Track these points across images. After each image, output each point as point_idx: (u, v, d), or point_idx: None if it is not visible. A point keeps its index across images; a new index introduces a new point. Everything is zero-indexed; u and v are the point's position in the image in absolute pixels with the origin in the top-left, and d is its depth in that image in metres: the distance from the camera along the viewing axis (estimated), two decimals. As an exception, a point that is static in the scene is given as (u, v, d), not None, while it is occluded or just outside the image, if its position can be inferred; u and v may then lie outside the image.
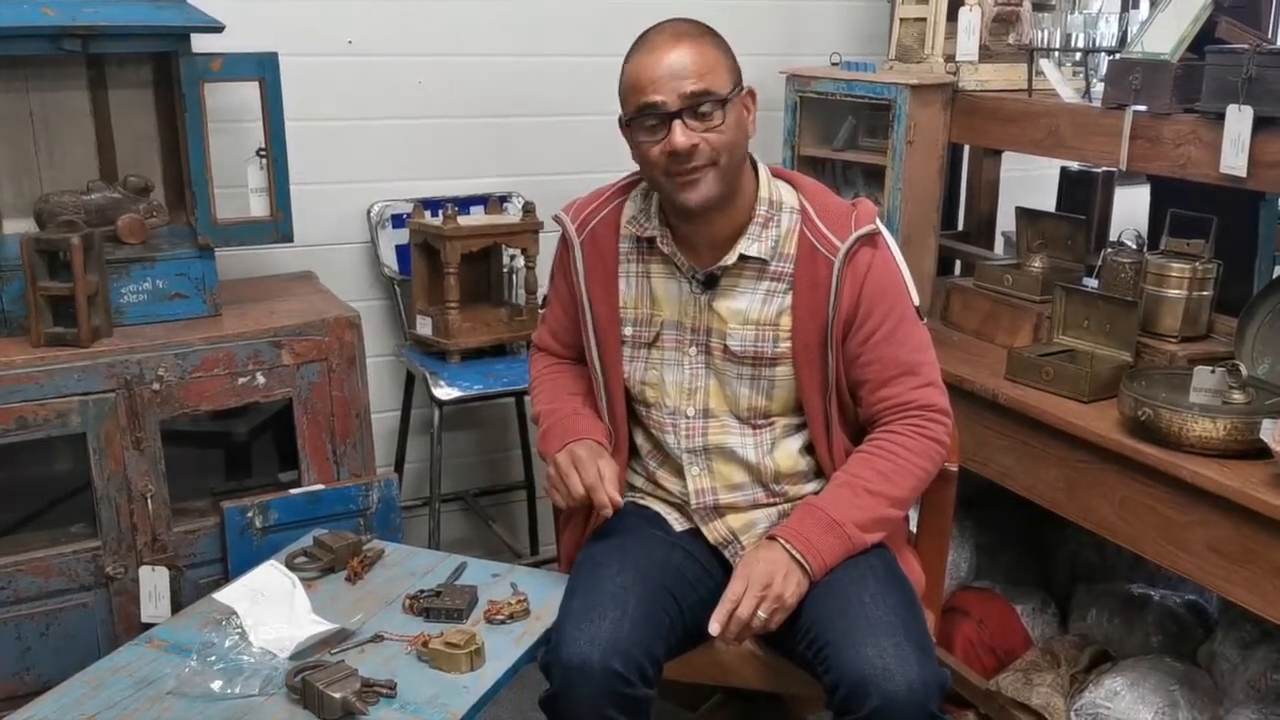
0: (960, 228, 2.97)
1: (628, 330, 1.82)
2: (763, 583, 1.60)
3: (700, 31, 1.66)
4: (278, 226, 2.25)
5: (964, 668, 2.34)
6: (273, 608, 1.68)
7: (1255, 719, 1.89)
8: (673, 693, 2.01)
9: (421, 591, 1.76)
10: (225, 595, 1.70)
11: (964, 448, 1.93)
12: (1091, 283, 2.37)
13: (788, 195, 1.76)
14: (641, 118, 1.64)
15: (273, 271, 2.54)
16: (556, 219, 1.87)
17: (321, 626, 1.63)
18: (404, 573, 1.86)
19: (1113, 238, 2.91)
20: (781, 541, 1.64)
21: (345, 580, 1.83)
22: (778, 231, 1.74)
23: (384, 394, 2.70)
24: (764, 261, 1.73)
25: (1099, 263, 2.28)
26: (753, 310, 1.75)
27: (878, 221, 1.75)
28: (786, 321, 1.73)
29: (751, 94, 1.70)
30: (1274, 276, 2.28)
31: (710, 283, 1.76)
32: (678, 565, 1.75)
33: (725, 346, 1.76)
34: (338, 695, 1.46)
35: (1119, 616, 2.38)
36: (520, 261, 2.57)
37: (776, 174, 1.79)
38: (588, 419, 1.83)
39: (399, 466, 2.74)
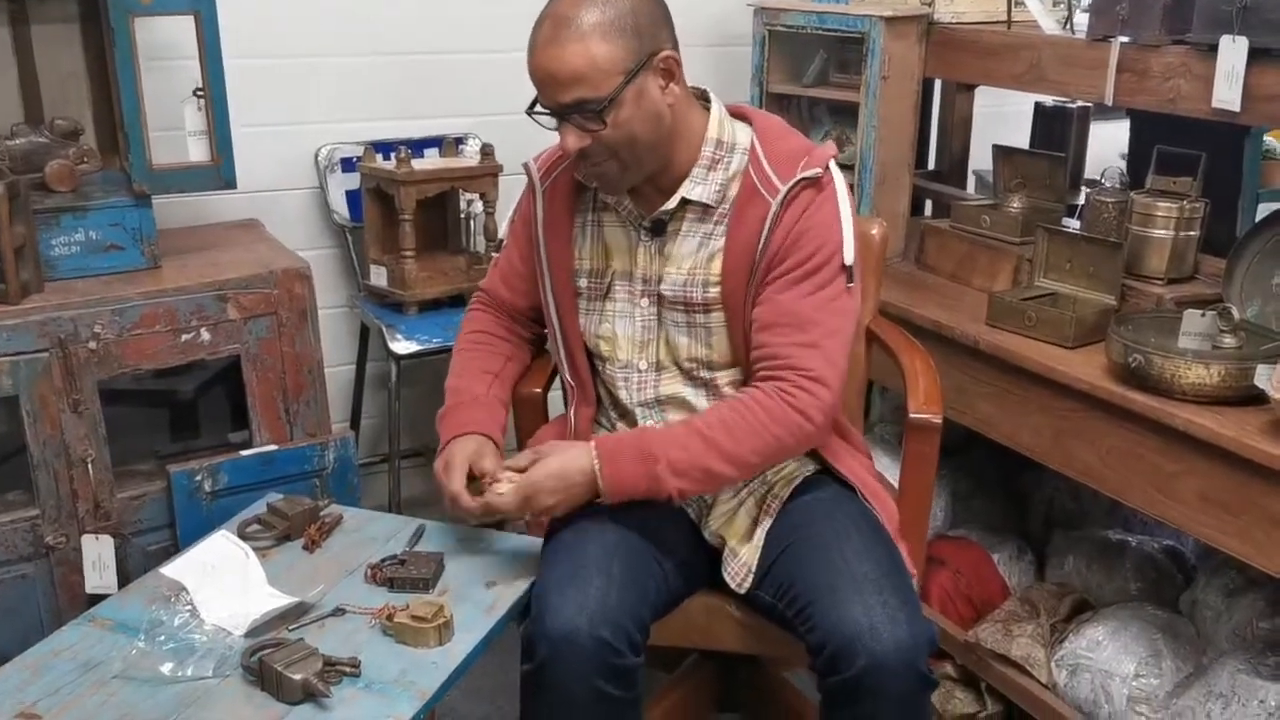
0: (931, 166, 2.88)
1: (582, 282, 1.73)
2: (548, 487, 1.55)
3: (580, 21, 1.47)
4: (219, 172, 2.11)
5: (941, 618, 2.29)
6: (225, 582, 1.58)
7: (1242, 668, 1.85)
8: (648, 653, 1.94)
9: (385, 560, 1.66)
10: (173, 569, 1.60)
11: (944, 396, 1.85)
12: (1072, 223, 2.30)
13: (742, 135, 1.66)
14: (543, 110, 1.55)
15: (214, 220, 2.40)
16: (525, 167, 1.78)
17: (278, 600, 1.54)
18: (365, 539, 1.77)
19: (1089, 175, 2.85)
20: (594, 454, 1.56)
21: (302, 549, 1.73)
22: (725, 174, 1.64)
23: (337, 347, 2.59)
24: (708, 206, 1.64)
25: (1081, 202, 2.21)
26: (689, 254, 1.66)
27: (833, 166, 1.64)
28: (717, 265, 1.64)
29: (670, 62, 1.54)
30: (1259, 214, 2.21)
31: (658, 230, 1.67)
32: (655, 524, 1.67)
33: (660, 293, 1.67)
34: (298, 676, 1.37)
35: (1097, 563, 2.34)
36: (479, 207, 2.46)
37: (736, 113, 1.69)
38: (483, 409, 1.75)
39: (355, 423, 2.63)
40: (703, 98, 1.68)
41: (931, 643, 1.47)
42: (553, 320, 1.77)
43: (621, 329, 1.71)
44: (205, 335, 2.02)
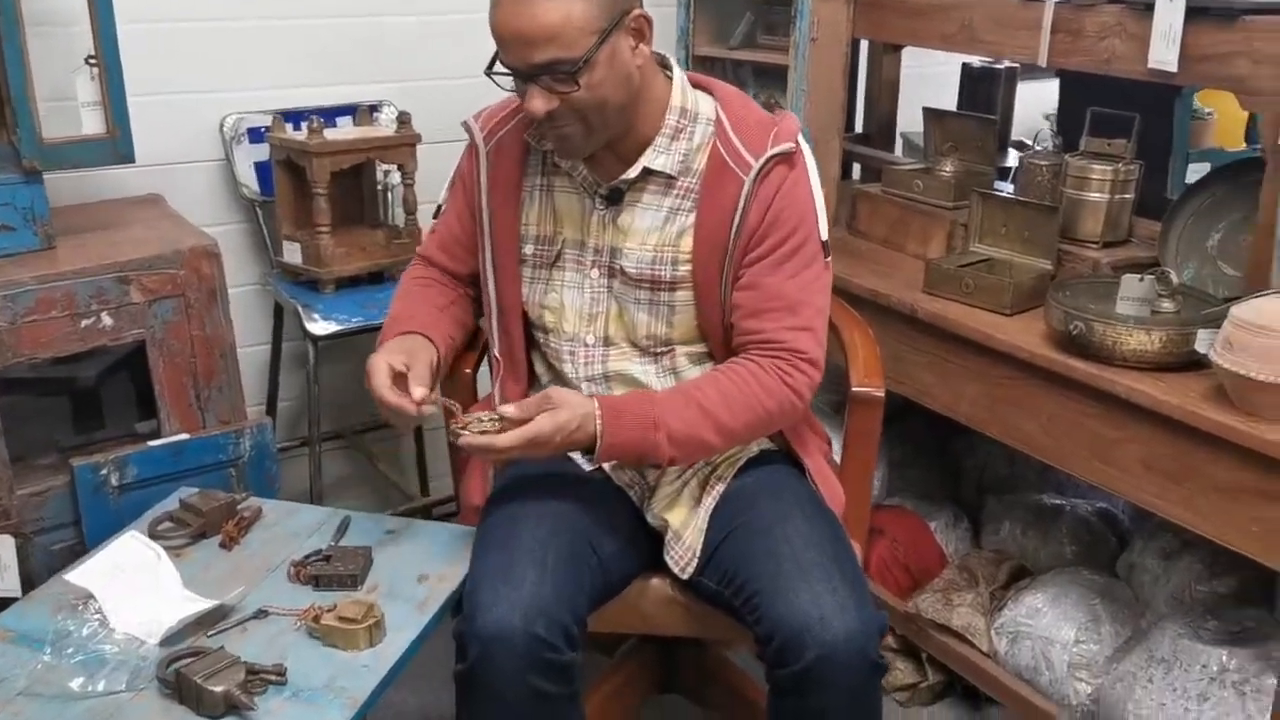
0: (859, 129, 2.83)
1: (528, 249, 1.65)
2: (554, 442, 1.46)
3: None
4: (115, 145, 1.98)
5: (880, 589, 2.27)
6: (136, 586, 1.48)
7: (1183, 632, 1.85)
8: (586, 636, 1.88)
9: (309, 556, 1.57)
10: (79, 575, 1.49)
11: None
12: (1004, 187, 2.27)
13: (705, 105, 1.59)
14: (504, 70, 1.46)
15: (113, 196, 2.26)
16: (465, 125, 1.68)
17: (195, 605, 1.44)
18: (287, 533, 1.67)
19: (1015, 136, 2.83)
20: (598, 416, 1.48)
21: (219, 547, 1.63)
22: (689, 144, 1.57)
23: (250, 327, 2.46)
24: (671, 177, 1.57)
25: (1013, 165, 2.17)
26: (654, 229, 1.59)
27: (800, 139, 1.59)
28: (687, 243, 1.58)
29: (641, 21, 1.48)
30: (1188, 176, 2.20)
31: (614, 198, 1.60)
32: (593, 509, 1.60)
33: (622, 269, 1.60)
34: (219, 688, 1.28)
35: (1032, 528, 2.34)
36: (396, 178, 2.35)
37: (695, 82, 1.62)
38: (420, 318, 1.66)
39: (271, 407, 2.52)
40: (664, 64, 1.60)
41: (882, 630, 1.43)
42: (489, 289, 1.69)
43: (570, 300, 1.64)
44: (107, 320, 1.90)
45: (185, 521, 1.66)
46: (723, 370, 1.57)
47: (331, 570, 1.53)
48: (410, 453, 2.73)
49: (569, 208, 1.62)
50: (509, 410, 1.45)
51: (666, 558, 1.62)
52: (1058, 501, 2.39)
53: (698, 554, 1.60)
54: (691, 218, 1.58)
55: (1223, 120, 2.68)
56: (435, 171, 2.40)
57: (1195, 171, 2.19)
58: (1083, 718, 1.97)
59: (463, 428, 1.46)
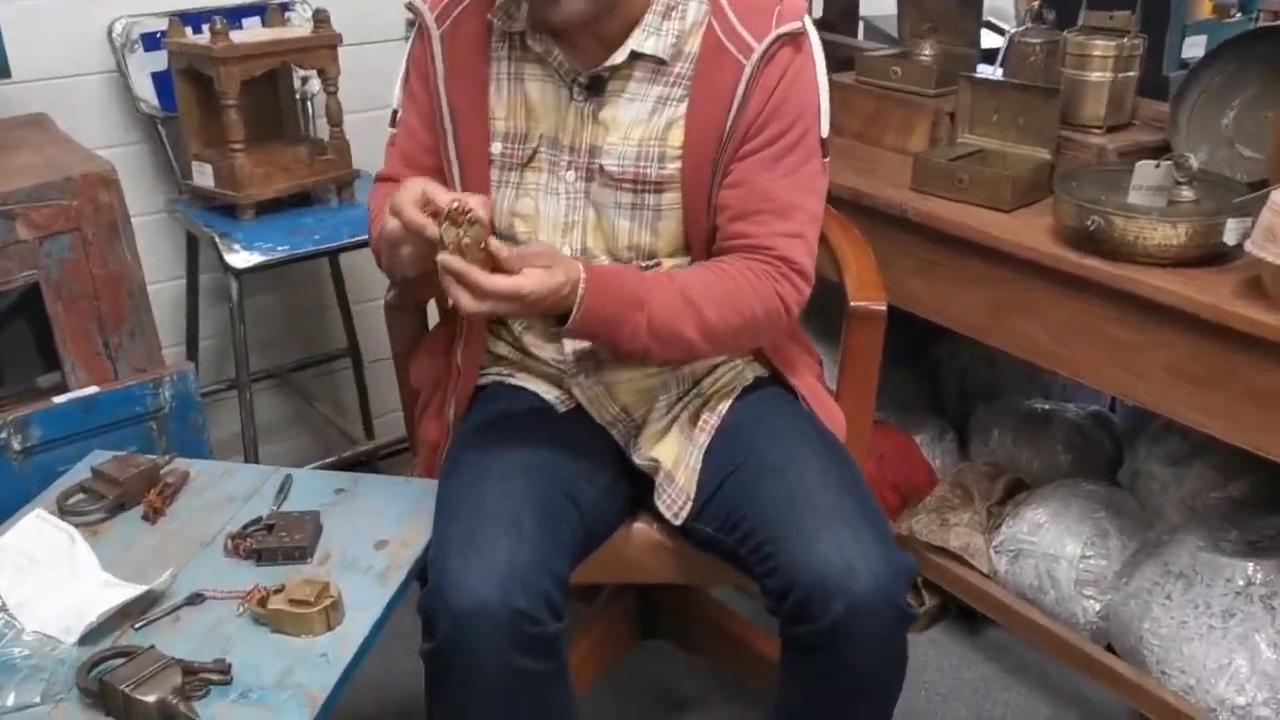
0: (818, 14, 2.61)
1: (496, 147, 1.43)
2: (540, 307, 1.25)
3: None
4: (-15, 57, 1.71)
5: (868, 511, 2.12)
6: (47, 575, 1.28)
7: (1202, 544, 1.73)
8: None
9: (248, 526, 1.37)
10: (-24, 568, 1.27)
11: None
12: (989, 69, 2.08)
13: None
14: None
15: (-10, 117, 1.98)
16: (409, 6, 1.44)
17: (118, 593, 1.24)
18: (220, 499, 1.47)
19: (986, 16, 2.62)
20: (583, 284, 1.26)
21: (142, 520, 1.42)
22: (681, 25, 1.36)
23: (160, 261, 2.21)
24: (661, 61, 1.36)
25: (1003, 46, 1.98)
26: (639, 122, 1.38)
27: (806, 20, 1.38)
28: (677, 136, 1.38)
29: None
30: (1183, 50, 2.03)
31: (595, 88, 1.38)
32: (570, 453, 1.42)
33: (602, 167, 1.39)
34: (151, 698, 1.09)
35: (1023, 436, 2.20)
36: (316, 85, 2.09)
37: None
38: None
39: (192, 349, 2.27)
40: None
41: (911, 574, 1.27)
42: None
43: (545, 206, 1.42)
44: (-9, 262, 1.65)
45: (100, 493, 1.44)
46: (710, 266, 1.38)
47: (275, 542, 1.33)
48: (351, 390, 2.50)
49: (544, 99, 1.40)
50: (502, 251, 1.21)
51: (657, 501, 1.45)
52: (1047, 406, 2.25)
53: (692, 496, 1.42)
54: (682, 108, 1.37)
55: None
56: (360, 77, 2.17)
57: (1193, 45, 2.01)
58: (1093, 636, 1.86)
59: (449, 244, 1.18)
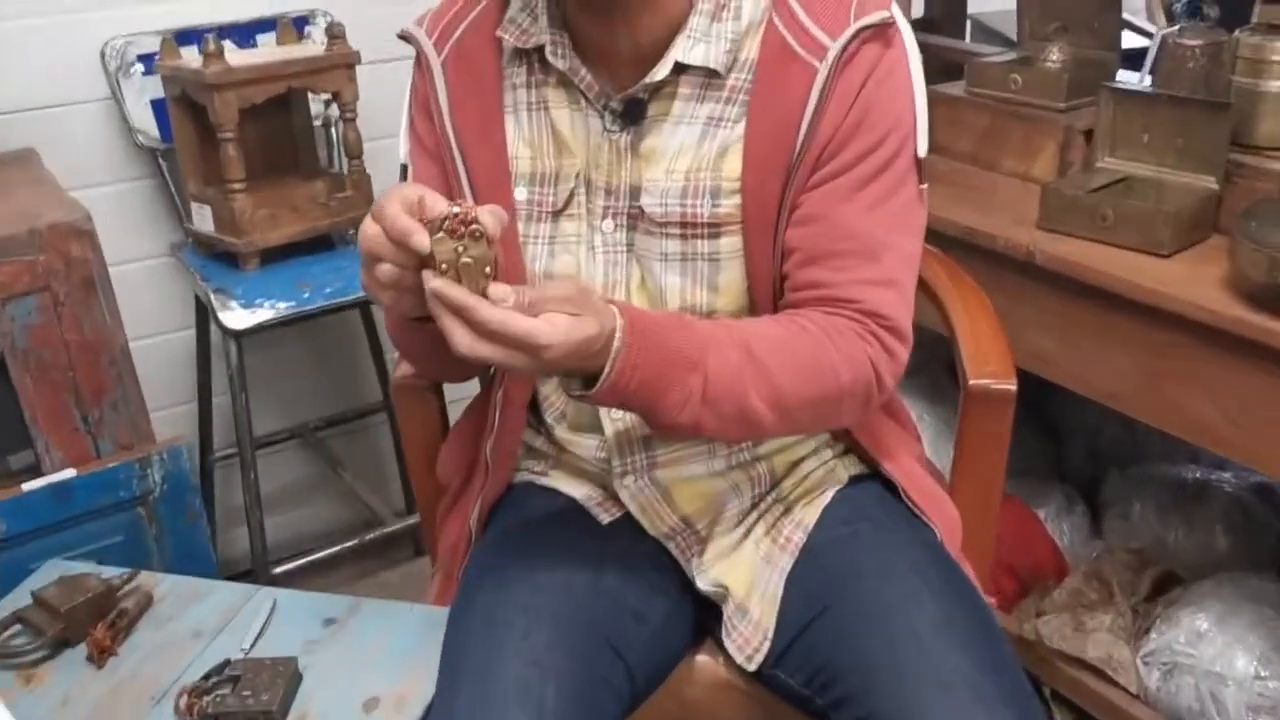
0: (920, 14, 2.27)
1: (521, 193, 1.12)
2: (560, 355, 0.89)
3: None
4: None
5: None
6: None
7: None
8: None
9: (210, 675, 1.09)
10: None
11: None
12: (1133, 77, 1.72)
13: None
14: None
15: (-31, 155, 1.75)
16: (403, 36, 1.16)
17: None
18: (185, 633, 1.19)
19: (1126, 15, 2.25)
20: (619, 336, 0.94)
21: (87, 662, 1.15)
22: (736, 26, 1.05)
23: (171, 308, 1.96)
24: (714, 74, 1.05)
25: (1154, 48, 1.63)
26: (685, 150, 1.07)
27: (895, 8, 1.06)
28: (734, 164, 1.06)
29: None
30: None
31: (633, 115, 1.08)
32: (615, 586, 1.11)
33: (643, 210, 1.09)
34: None
35: (1170, 513, 1.84)
36: (334, 110, 1.82)
37: None
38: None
39: (204, 407, 2.02)
40: None
41: None
42: None
43: (585, 262, 1.12)
44: (-60, 332, 1.41)
45: (38, 627, 1.18)
46: (780, 317, 1.06)
47: (237, 704, 1.05)
48: (385, 451, 2.22)
49: (573, 131, 1.10)
50: (521, 294, 0.89)
51: (726, 640, 1.13)
52: (1198, 475, 1.89)
53: (770, 635, 1.11)
54: (739, 128, 1.06)
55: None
56: (384, 98, 1.89)
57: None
58: (1270, 779, 1.50)
59: (442, 262, 0.87)
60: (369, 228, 0.91)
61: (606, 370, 0.94)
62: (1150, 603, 1.70)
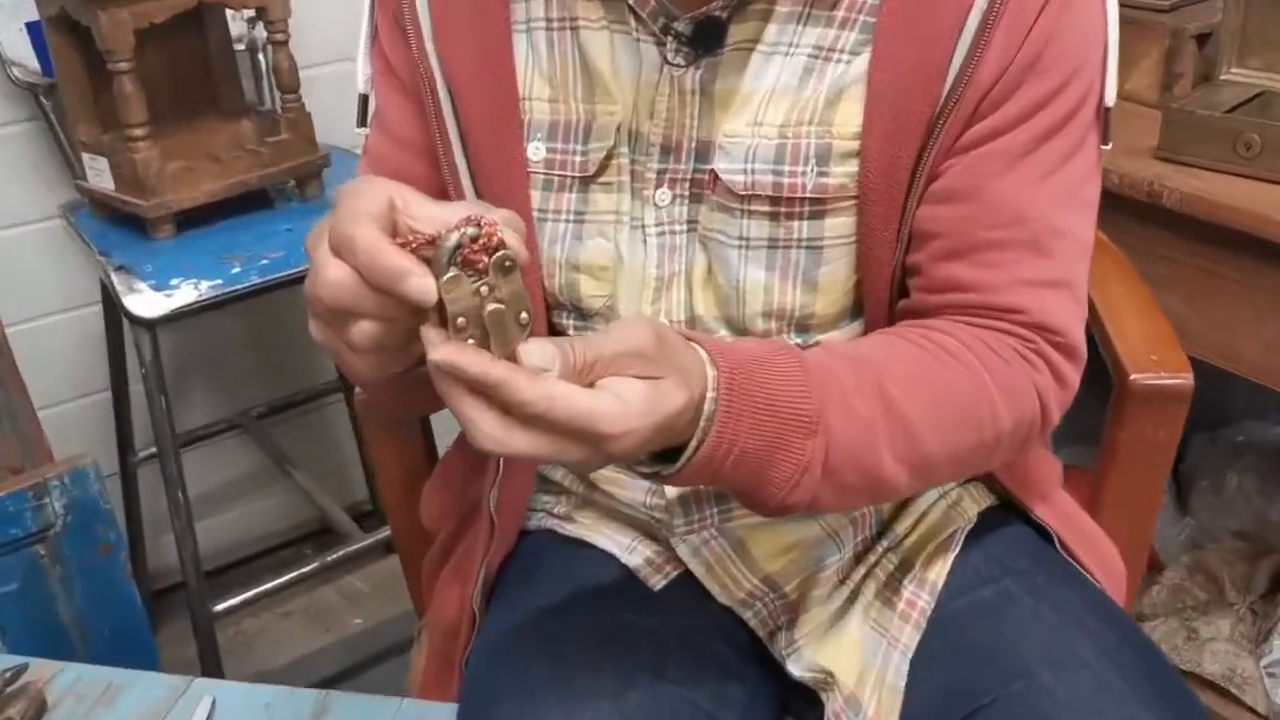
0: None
1: (537, 150, 0.80)
2: (637, 442, 0.60)
3: None
4: None
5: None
6: None
7: None
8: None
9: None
10: None
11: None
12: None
13: None
14: None
15: None
16: None
17: None
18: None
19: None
20: (712, 397, 0.64)
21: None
22: None
23: (74, 281, 1.62)
24: None
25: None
26: (783, 93, 0.77)
27: None
28: (851, 116, 0.76)
29: None
30: None
31: (707, 38, 0.76)
32: (677, 687, 0.80)
33: (716, 177, 0.78)
34: None
35: (1274, 484, 1.59)
36: (260, 30, 1.45)
37: None
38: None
39: (120, 394, 1.67)
40: None
41: None
42: None
43: (628, 249, 0.81)
44: None
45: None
46: (913, 334, 0.77)
47: None
48: (343, 442, 1.89)
49: (613, 63, 0.79)
50: (570, 352, 0.58)
51: (828, 740, 0.84)
52: (1298, 433, 1.64)
53: (893, 738, 0.82)
54: (860, 64, 0.75)
55: None
56: (326, 13, 1.54)
57: None
58: None
59: (458, 315, 0.55)
60: (330, 269, 0.57)
61: (693, 445, 0.64)
62: (1268, 600, 1.44)
